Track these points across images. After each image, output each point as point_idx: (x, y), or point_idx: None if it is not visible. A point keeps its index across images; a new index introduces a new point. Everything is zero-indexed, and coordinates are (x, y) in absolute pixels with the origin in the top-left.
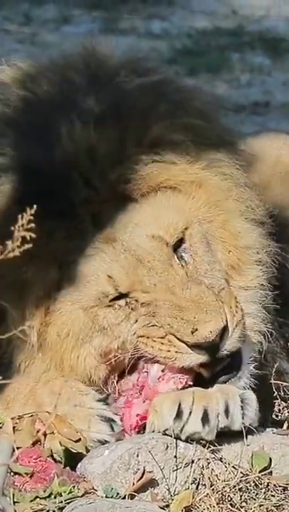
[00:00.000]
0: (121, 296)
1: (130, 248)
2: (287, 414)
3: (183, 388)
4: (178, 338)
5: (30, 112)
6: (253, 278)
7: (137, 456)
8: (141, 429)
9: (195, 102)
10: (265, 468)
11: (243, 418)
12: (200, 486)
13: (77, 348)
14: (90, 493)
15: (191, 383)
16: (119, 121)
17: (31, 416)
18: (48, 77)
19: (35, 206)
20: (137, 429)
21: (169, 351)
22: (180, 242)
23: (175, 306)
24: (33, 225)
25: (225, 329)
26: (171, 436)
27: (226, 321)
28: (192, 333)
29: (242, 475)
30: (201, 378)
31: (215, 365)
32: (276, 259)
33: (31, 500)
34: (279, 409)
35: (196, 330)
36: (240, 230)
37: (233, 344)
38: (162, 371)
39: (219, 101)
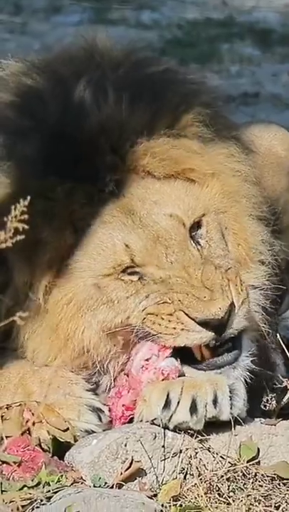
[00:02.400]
0: (135, 269)
1: (148, 224)
2: (275, 404)
3: (164, 380)
4: (186, 314)
5: (53, 86)
6: (257, 277)
7: (125, 445)
8: (127, 419)
9: (204, 96)
10: (253, 459)
11: (231, 408)
12: (188, 476)
13: (76, 319)
14: (78, 482)
15: (174, 377)
16: (151, 103)
17: (19, 405)
18: (54, 69)
19: (28, 197)
20: (122, 420)
21: (174, 328)
22: (197, 226)
23: (188, 283)
24: (26, 216)
25: (232, 306)
26: (159, 425)
27: (232, 298)
28: (201, 309)
29: (230, 465)
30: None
31: (217, 348)
32: (278, 256)
33: (19, 490)
34: (267, 400)
35: (206, 307)
36: (249, 226)
37: (239, 322)
38: (146, 360)
39: (222, 93)
